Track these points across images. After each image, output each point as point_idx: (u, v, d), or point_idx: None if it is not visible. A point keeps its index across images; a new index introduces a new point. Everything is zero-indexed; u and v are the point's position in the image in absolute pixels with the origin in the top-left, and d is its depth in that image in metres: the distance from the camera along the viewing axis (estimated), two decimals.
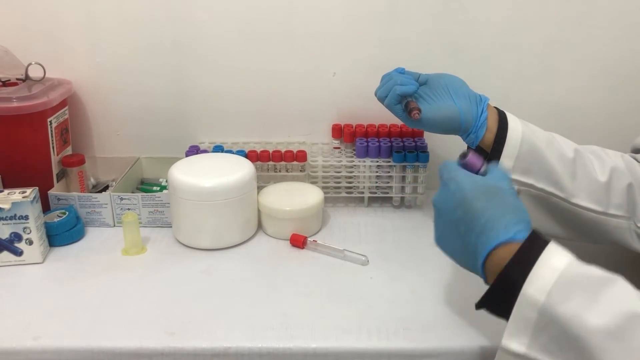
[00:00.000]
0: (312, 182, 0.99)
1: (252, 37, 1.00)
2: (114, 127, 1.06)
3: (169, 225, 0.91)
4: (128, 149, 1.07)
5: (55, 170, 0.95)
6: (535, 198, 0.77)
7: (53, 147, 0.94)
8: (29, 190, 0.81)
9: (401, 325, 0.69)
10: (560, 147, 0.77)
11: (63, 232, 0.86)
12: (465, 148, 0.81)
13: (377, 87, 0.82)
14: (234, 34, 1.00)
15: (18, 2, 0.98)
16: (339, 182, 1.00)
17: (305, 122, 1.06)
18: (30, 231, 0.80)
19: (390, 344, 0.66)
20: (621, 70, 1.01)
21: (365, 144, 0.98)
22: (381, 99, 0.81)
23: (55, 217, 0.87)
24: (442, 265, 0.78)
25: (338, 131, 1.04)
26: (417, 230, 0.92)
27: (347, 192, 1.01)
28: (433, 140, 1.02)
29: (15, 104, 0.86)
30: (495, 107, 0.79)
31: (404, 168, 0.98)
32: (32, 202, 0.80)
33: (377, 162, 0.98)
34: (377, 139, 1.00)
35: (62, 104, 0.97)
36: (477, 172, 0.63)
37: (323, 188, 0.96)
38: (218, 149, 1.01)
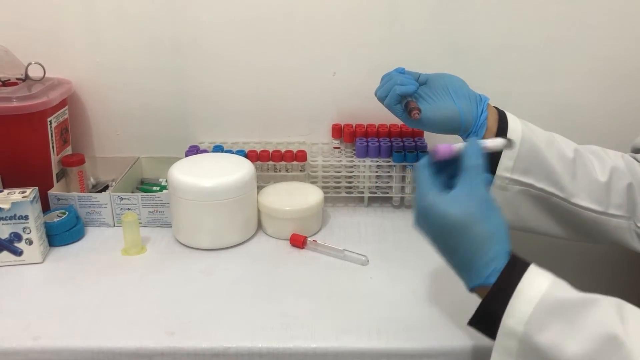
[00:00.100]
0: (312, 182, 0.99)
1: (252, 36, 1.00)
2: (114, 126, 1.06)
3: (168, 225, 0.91)
4: (128, 149, 1.07)
5: (55, 170, 0.95)
6: (535, 198, 0.77)
7: (53, 147, 0.94)
8: (28, 190, 0.81)
9: (401, 325, 0.69)
10: (560, 147, 0.77)
11: (63, 232, 0.86)
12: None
13: (377, 87, 0.82)
14: (234, 33, 1.00)
15: (18, 2, 0.97)
16: (338, 182, 1.00)
17: (305, 122, 1.06)
18: (30, 231, 0.80)
19: (390, 344, 0.66)
20: (621, 70, 1.01)
21: (365, 143, 0.98)
22: (381, 99, 0.81)
23: (55, 217, 0.87)
24: (442, 265, 0.78)
25: (338, 131, 1.04)
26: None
27: (347, 192, 1.01)
28: (433, 140, 1.02)
29: (15, 104, 0.86)
30: (495, 107, 0.79)
31: (404, 168, 0.98)
32: (31, 202, 0.80)
33: (377, 162, 0.98)
34: (377, 139, 1.00)
35: (62, 103, 0.97)
36: (452, 158, 0.61)
37: (323, 188, 0.96)
38: (218, 149, 1.01)
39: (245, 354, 0.66)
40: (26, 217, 0.79)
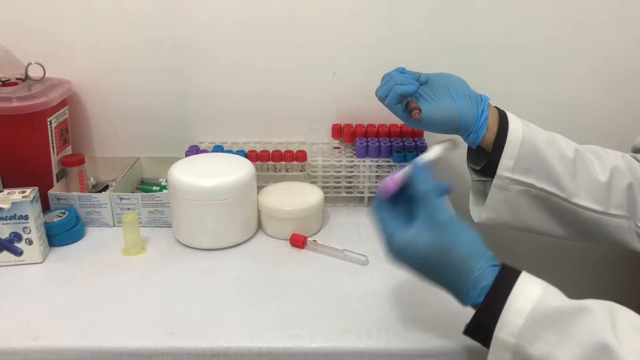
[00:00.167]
0: (312, 182, 0.99)
1: (252, 36, 1.00)
2: (114, 127, 1.06)
3: (168, 225, 0.91)
4: (128, 149, 1.07)
5: (55, 170, 0.95)
6: (535, 198, 0.77)
7: (53, 147, 0.94)
8: (28, 190, 0.81)
9: (401, 325, 0.69)
10: (561, 147, 0.77)
11: (63, 232, 0.86)
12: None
13: (377, 87, 0.82)
14: (234, 33, 1.00)
15: (18, 2, 0.97)
16: (338, 182, 1.00)
17: (305, 122, 1.06)
18: (30, 231, 0.80)
19: (390, 344, 0.66)
20: (621, 69, 1.01)
21: (365, 143, 0.98)
22: (381, 99, 0.80)
23: (55, 217, 0.87)
24: None
25: (338, 131, 1.04)
26: None
27: (347, 192, 1.01)
28: (433, 140, 1.01)
29: (15, 104, 0.86)
30: (495, 107, 0.79)
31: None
32: (31, 201, 0.79)
33: (377, 161, 0.98)
34: (377, 139, 1.00)
35: (62, 103, 0.97)
36: (400, 190, 0.61)
37: (323, 188, 0.96)
38: (218, 148, 1.01)
39: (245, 354, 0.66)
40: (26, 217, 0.79)
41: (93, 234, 0.90)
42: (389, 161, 0.97)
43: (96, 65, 1.02)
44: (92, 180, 1.04)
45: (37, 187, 0.82)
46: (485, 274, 0.56)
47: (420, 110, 0.75)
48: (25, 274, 0.80)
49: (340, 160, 0.99)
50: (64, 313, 0.71)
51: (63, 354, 0.66)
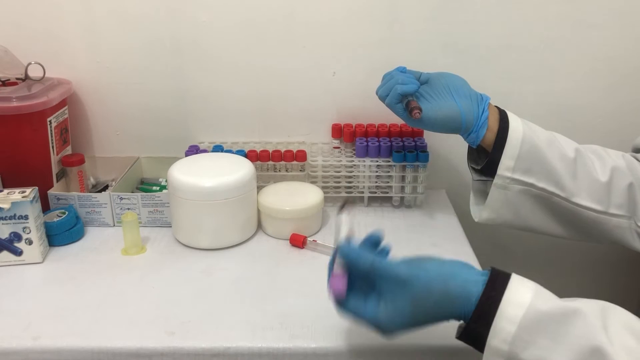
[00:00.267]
0: (312, 182, 0.98)
1: (252, 36, 1.00)
2: (114, 126, 1.06)
3: (168, 225, 0.91)
4: (128, 149, 1.07)
5: (55, 170, 0.95)
6: (536, 197, 0.77)
7: (53, 147, 0.93)
8: (28, 190, 0.81)
9: None
10: (561, 147, 0.77)
11: (63, 232, 0.86)
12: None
13: (378, 86, 0.82)
14: (233, 33, 1.00)
15: (18, 2, 0.97)
16: (338, 182, 1.00)
17: (305, 122, 1.06)
18: (30, 231, 0.80)
19: (389, 343, 0.66)
20: (621, 69, 1.01)
21: (365, 143, 0.98)
22: (382, 98, 0.81)
23: (54, 216, 0.87)
24: None
25: (338, 131, 1.04)
26: (417, 229, 0.92)
27: (347, 192, 1.01)
28: (433, 140, 1.02)
29: (15, 104, 0.86)
30: (496, 107, 0.79)
31: (403, 168, 0.98)
32: (31, 201, 0.79)
33: (377, 161, 0.98)
34: (376, 139, 1.00)
35: (62, 103, 0.97)
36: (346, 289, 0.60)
37: (323, 188, 0.96)
38: (218, 148, 1.01)
39: (245, 354, 0.66)
40: (26, 217, 0.79)
41: (93, 234, 0.90)
42: (389, 161, 0.97)
43: (96, 65, 1.02)
44: (92, 180, 1.04)
45: (37, 187, 0.82)
46: (468, 299, 0.55)
47: (420, 109, 0.75)
48: (25, 274, 0.80)
49: (340, 160, 0.99)
50: (63, 313, 0.71)
51: (63, 354, 0.66)
